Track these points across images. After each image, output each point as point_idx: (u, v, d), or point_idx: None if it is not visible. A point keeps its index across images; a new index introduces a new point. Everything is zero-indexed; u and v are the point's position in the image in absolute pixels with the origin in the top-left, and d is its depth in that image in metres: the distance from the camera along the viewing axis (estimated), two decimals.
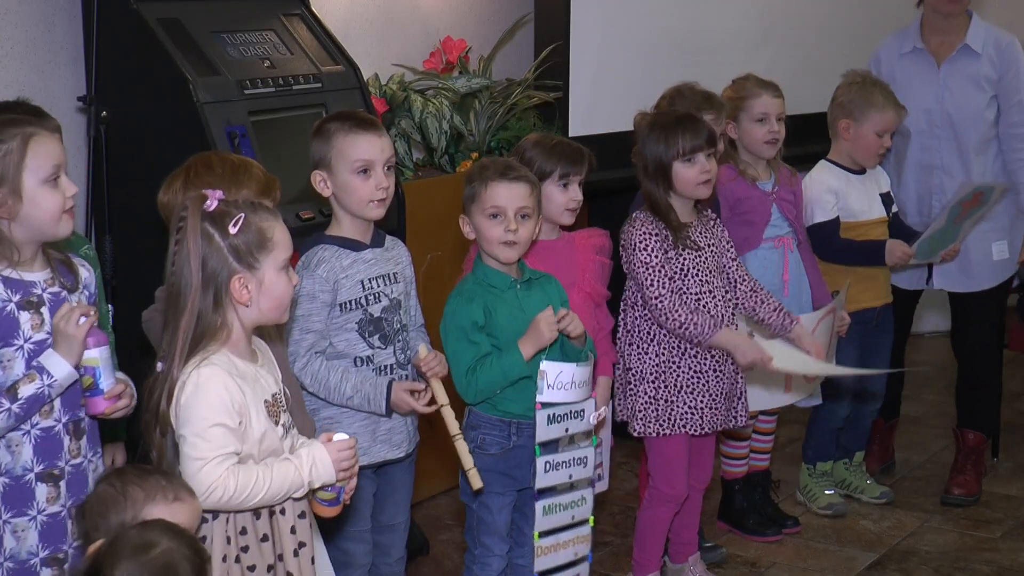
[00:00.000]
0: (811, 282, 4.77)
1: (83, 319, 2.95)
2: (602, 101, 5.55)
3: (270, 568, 2.96)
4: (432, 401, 3.57)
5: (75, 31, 4.36)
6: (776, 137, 4.67)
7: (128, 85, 4.25)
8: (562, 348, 3.68)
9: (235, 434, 2.86)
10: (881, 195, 4.99)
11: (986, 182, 5.01)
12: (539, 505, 3.69)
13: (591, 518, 3.85)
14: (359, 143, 3.57)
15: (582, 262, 4.07)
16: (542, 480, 3.67)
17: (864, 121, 4.88)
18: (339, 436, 3.02)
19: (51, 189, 3.01)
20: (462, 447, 3.56)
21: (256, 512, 2.94)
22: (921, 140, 5.21)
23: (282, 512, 2.98)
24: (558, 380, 3.61)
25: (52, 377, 2.96)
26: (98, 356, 3.02)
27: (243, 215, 2.90)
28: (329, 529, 3.43)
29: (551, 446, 3.68)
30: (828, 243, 4.86)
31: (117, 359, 3.50)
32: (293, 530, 3.00)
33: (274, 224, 2.94)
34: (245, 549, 2.94)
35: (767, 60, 5.41)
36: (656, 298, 4.08)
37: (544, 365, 3.58)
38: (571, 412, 3.69)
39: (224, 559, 2.91)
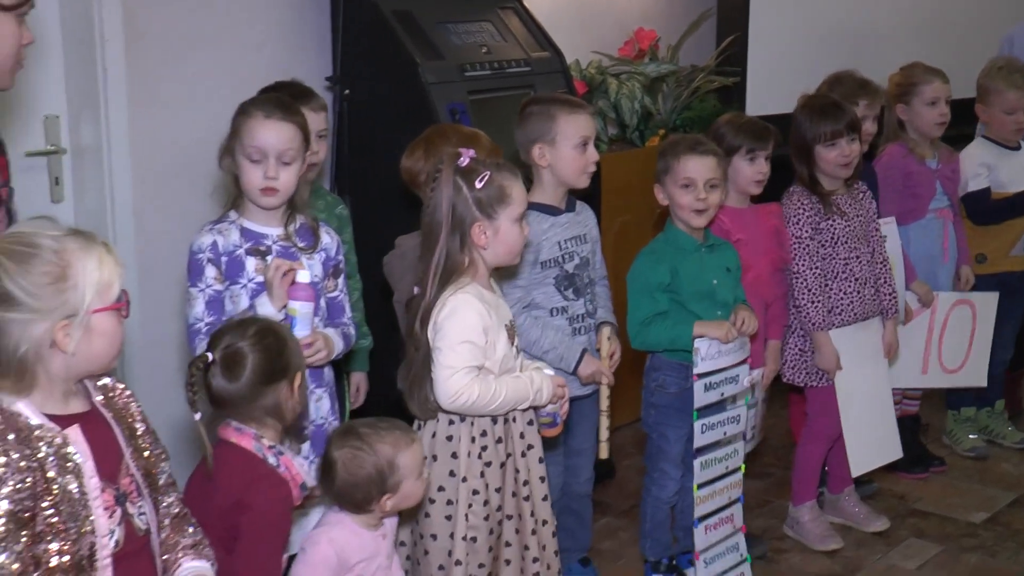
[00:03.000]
0: (959, 252, 4.71)
1: (282, 272, 3.02)
2: (775, 85, 5.51)
3: (502, 464, 3.08)
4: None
5: (323, 21, 4.45)
6: (945, 120, 4.62)
7: (366, 68, 4.33)
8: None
9: (480, 351, 2.98)
10: None
11: None
12: (697, 462, 3.71)
13: (742, 466, 3.86)
14: (581, 122, 3.58)
15: (767, 230, 4.05)
16: (699, 440, 3.68)
17: (992, 104, 4.79)
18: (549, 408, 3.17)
19: (251, 166, 3.06)
20: (603, 422, 3.61)
21: (494, 419, 3.05)
22: None
23: (513, 420, 3.09)
24: (708, 352, 3.62)
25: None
26: (298, 309, 3.05)
27: (488, 173, 2.98)
28: None
29: (708, 409, 3.67)
30: (982, 207, 4.79)
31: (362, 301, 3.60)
32: (522, 435, 3.11)
33: (514, 183, 3.02)
34: (484, 448, 3.05)
35: (925, 49, 5.25)
36: (796, 272, 4.07)
37: (697, 343, 3.59)
38: (726, 379, 3.69)
39: (468, 455, 3.04)
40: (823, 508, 4.39)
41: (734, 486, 3.83)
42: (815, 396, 4.22)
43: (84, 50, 3.94)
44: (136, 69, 4.01)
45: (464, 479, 3.02)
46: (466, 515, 3.03)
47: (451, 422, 3.03)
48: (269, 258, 3.10)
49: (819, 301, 4.05)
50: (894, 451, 4.38)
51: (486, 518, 3.05)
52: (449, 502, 3.03)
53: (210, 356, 2.60)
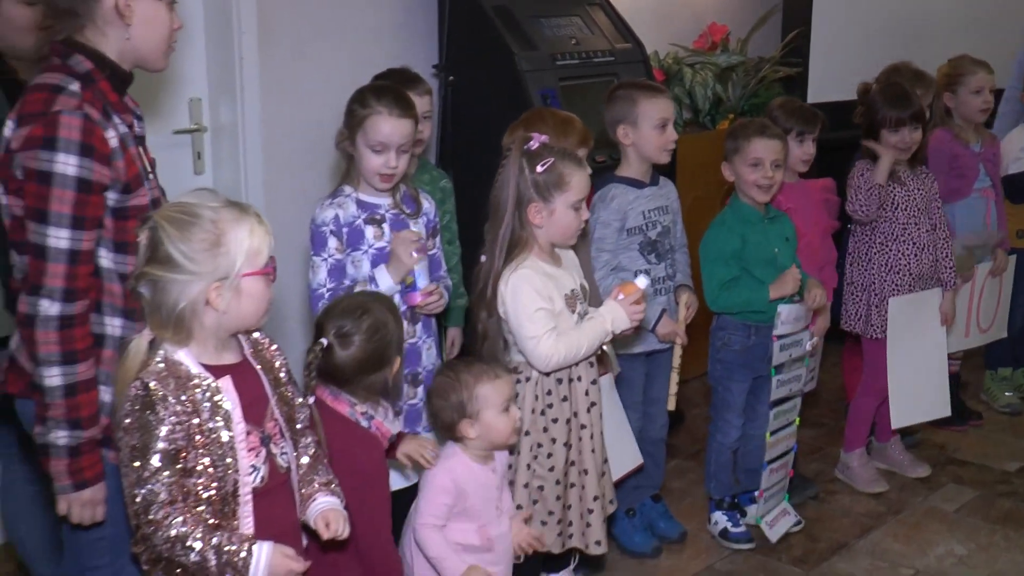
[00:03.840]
0: (999, 231, 4.71)
1: (416, 253, 3.09)
2: (835, 75, 5.53)
3: (568, 421, 3.11)
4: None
5: (431, 15, 4.53)
6: (990, 107, 4.63)
7: (469, 56, 4.41)
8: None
9: (551, 314, 3.01)
10: None
11: None
12: (772, 412, 3.82)
13: (797, 419, 3.96)
14: (660, 105, 3.64)
15: (816, 201, 4.12)
16: (776, 393, 3.79)
17: None
18: (640, 281, 3.10)
19: (373, 155, 3.09)
20: (673, 378, 3.63)
21: (559, 379, 3.07)
22: None
23: (579, 379, 3.11)
24: (787, 317, 3.72)
25: (377, 287, 3.11)
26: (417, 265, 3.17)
27: (552, 160, 2.98)
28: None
29: (780, 367, 3.77)
30: (1021, 187, 4.75)
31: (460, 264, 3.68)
32: (587, 393, 3.13)
33: (575, 172, 3.01)
34: (550, 406, 3.09)
35: (973, 43, 5.18)
36: (851, 209, 4.10)
37: (780, 308, 3.68)
38: (793, 342, 3.79)
39: (533, 411, 3.08)
40: (871, 455, 4.43)
41: (790, 437, 3.94)
42: (873, 352, 4.23)
43: (223, 41, 4.07)
44: (268, 58, 4.13)
45: (527, 432, 3.07)
46: (528, 465, 3.08)
47: (517, 381, 3.05)
48: (384, 225, 3.18)
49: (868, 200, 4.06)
50: (942, 409, 4.37)
51: (551, 469, 3.09)
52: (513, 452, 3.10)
53: (325, 342, 2.63)
